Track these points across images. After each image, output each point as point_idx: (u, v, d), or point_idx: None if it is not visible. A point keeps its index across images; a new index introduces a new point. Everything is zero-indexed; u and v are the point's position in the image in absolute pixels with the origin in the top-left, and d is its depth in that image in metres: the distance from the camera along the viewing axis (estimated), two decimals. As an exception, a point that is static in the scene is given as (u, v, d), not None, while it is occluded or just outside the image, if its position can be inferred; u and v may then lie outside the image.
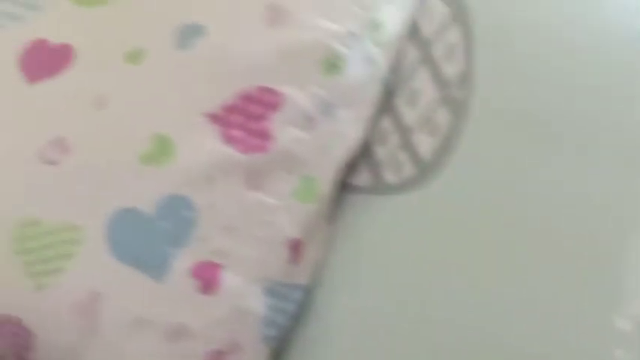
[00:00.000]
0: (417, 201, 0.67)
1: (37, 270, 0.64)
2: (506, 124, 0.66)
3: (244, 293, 0.64)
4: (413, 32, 0.72)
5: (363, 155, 0.70)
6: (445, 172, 0.66)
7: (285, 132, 0.66)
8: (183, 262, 0.63)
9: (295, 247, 0.66)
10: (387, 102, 0.71)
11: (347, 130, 0.68)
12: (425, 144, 0.68)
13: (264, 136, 0.65)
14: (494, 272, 0.62)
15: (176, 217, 0.64)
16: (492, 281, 0.61)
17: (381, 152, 0.70)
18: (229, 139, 0.65)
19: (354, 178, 0.70)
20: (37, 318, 0.64)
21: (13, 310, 0.64)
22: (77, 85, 0.67)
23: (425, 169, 0.67)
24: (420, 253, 0.65)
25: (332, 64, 0.67)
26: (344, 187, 0.70)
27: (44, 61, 0.69)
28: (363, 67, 0.68)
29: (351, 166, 0.70)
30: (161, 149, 0.64)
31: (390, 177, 0.69)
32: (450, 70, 0.69)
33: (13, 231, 0.64)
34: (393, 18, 0.70)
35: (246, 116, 0.65)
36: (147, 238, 0.63)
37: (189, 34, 0.67)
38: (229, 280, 0.64)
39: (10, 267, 0.64)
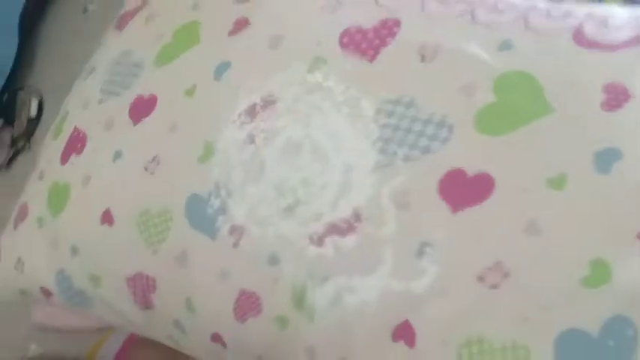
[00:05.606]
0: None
1: None
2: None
3: None
4: None
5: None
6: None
7: None
8: None
9: None
10: None
11: None
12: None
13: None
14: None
15: (620, 338, 0.66)
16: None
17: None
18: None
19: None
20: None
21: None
22: (505, 211, 0.73)
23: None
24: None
25: None
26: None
27: (465, 189, 0.76)
28: None
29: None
30: (599, 272, 0.68)
31: None
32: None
33: (459, 349, 0.70)
34: None
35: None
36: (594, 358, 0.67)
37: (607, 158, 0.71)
38: None
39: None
